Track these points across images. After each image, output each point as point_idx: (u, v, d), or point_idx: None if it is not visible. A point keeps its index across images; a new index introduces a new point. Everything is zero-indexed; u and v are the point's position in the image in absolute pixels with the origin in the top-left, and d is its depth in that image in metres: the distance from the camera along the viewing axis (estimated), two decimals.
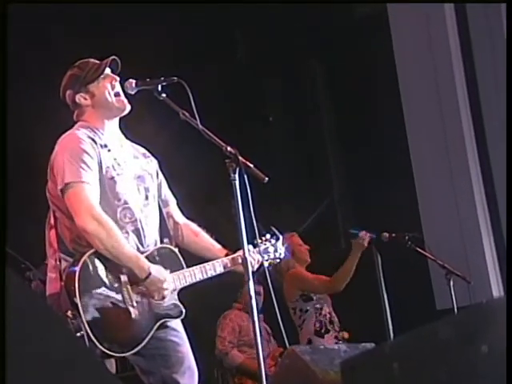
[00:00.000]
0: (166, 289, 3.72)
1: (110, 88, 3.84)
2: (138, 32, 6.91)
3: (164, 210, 4.04)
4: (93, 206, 3.62)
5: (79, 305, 3.49)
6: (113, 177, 3.75)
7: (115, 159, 3.81)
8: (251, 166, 3.66)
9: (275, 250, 4.23)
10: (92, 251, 3.62)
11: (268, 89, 8.32)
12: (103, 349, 3.50)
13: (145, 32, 6.95)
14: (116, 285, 3.65)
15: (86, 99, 3.86)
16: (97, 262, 3.62)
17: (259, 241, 4.05)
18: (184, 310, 3.87)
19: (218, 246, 4.14)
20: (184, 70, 3.90)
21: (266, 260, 4.14)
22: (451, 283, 5.50)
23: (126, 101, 3.86)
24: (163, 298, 3.72)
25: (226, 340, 7.27)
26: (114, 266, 3.66)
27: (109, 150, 3.80)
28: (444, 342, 2.15)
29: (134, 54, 6.75)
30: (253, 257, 3.94)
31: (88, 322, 3.49)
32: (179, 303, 3.87)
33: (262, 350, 7.23)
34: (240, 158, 3.64)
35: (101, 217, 3.62)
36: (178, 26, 7.29)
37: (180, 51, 7.30)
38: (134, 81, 3.81)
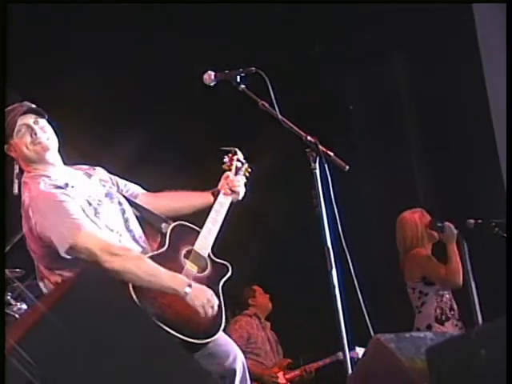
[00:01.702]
0: (211, 305, 3.60)
1: (29, 139, 3.72)
2: (213, 23, 6.97)
3: (136, 203, 3.97)
4: (107, 246, 3.52)
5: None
6: (94, 212, 3.67)
7: (83, 192, 3.73)
8: (331, 154, 3.66)
9: (242, 163, 4.27)
10: None
11: (347, 79, 8.25)
12: (184, 337, 3.47)
13: (222, 23, 7.00)
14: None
15: (11, 152, 3.79)
16: None
17: (227, 165, 4.20)
18: (229, 265, 3.88)
19: (200, 193, 4.15)
20: (261, 60, 3.88)
21: (242, 175, 4.23)
22: None
23: (45, 142, 3.73)
24: (207, 314, 3.59)
25: None
26: None
27: (72, 187, 3.70)
28: None
29: (211, 46, 6.86)
30: (238, 180, 4.13)
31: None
32: (220, 260, 3.88)
33: (270, 359, 7.29)
34: (320, 146, 3.64)
35: (120, 251, 3.55)
36: (255, 17, 7.29)
37: (257, 42, 7.31)
38: (212, 73, 3.83)
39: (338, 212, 3.63)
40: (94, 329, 2.63)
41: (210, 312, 3.57)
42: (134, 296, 3.42)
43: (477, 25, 6.93)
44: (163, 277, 3.53)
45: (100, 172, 3.98)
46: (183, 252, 3.77)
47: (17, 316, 5.10)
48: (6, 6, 4.00)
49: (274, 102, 3.69)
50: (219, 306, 3.65)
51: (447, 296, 5.71)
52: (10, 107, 3.80)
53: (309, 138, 3.66)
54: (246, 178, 4.27)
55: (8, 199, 3.71)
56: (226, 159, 4.25)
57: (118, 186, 3.99)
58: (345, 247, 3.70)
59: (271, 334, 7.57)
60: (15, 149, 3.74)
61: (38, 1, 6.26)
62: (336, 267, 3.60)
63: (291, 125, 3.71)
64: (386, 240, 6.22)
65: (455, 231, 5.61)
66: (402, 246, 5.87)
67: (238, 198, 4.13)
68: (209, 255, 3.84)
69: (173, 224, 3.84)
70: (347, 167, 3.64)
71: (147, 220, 3.91)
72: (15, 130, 3.70)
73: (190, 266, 3.73)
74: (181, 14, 7.01)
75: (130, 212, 3.86)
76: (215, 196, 4.07)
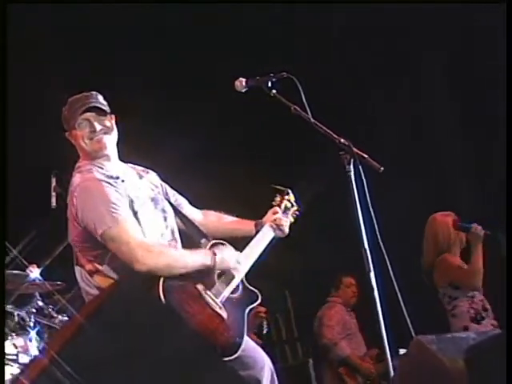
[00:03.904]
0: (237, 257, 3.76)
1: (87, 133, 3.78)
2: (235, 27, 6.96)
3: (183, 213, 4.03)
4: (141, 243, 3.54)
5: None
6: (137, 210, 3.70)
7: (132, 188, 3.78)
8: (366, 156, 3.64)
9: (292, 205, 4.31)
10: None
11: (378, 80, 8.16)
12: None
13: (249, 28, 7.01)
14: (198, 295, 3.61)
15: (72, 140, 3.86)
16: (171, 282, 3.53)
17: (277, 202, 4.25)
18: (259, 294, 3.90)
19: (244, 220, 4.20)
20: (291, 65, 3.87)
21: (292, 215, 4.28)
22: None
23: (104, 139, 3.79)
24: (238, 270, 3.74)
25: (334, 330, 7.31)
26: (187, 278, 3.61)
27: (123, 181, 3.75)
28: None
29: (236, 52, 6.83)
30: (285, 219, 4.17)
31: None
32: (251, 287, 3.90)
33: (361, 346, 7.27)
34: (354, 149, 3.62)
35: (152, 248, 3.56)
36: (283, 22, 7.31)
37: (286, 47, 7.31)
38: (243, 79, 3.83)
39: (374, 213, 3.60)
40: (130, 338, 2.64)
41: (243, 261, 3.77)
42: (163, 298, 3.42)
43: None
44: (193, 259, 3.62)
45: (152, 176, 4.04)
46: (217, 271, 3.76)
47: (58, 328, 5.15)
48: (6, 6, 4.00)
49: (306, 105, 3.68)
50: (242, 331, 3.67)
51: (478, 297, 5.66)
52: (76, 96, 3.87)
53: (342, 140, 3.64)
54: (294, 219, 4.30)
55: (49, 212, 3.73)
56: (278, 198, 4.30)
57: (166, 193, 4.03)
58: (382, 249, 3.66)
59: (356, 324, 7.67)
60: (74, 139, 3.82)
61: (38, 1, 6.32)
62: (374, 269, 3.58)
63: (324, 128, 3.69)
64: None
65: (482, 233, 5.56)
66: (430, 247, 5.82)
67: (281, 235, 4.17)
68: (242, 280, 3.87)
69: (213, 241, 3.86)
70: (382, 168, 3.62)
71: (188, 232, 3.95)
72: (76, 122, 3.78)
73: (221, 286, 3.73)
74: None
75: (172, 221, 3.89)
76: (257, 227, 4.11)
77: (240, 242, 3.99)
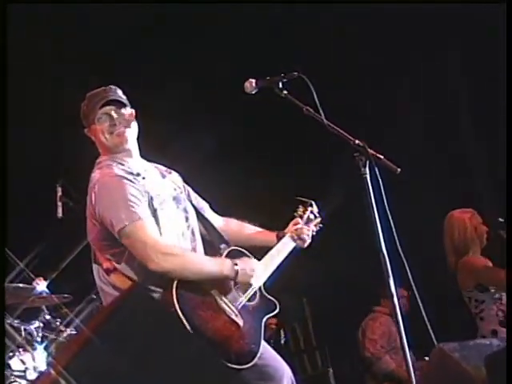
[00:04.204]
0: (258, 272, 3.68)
1: (107, 127, 3.72)
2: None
3: (205, 217, 3.97)
4: (158, 242, 3.47)
5: (189, 329, 3.32)
6: (157, 207, 3.63)
7: (152, 185, 3.70)
8: (381, 157, 3.51)
9: (315, 216, 4.26)
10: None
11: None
12: (227, 364, 3.38)
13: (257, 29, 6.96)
14: (213, 301, 3.55)
15: (91, 135, 3.81)
16: (187, 285, 3.46)
17: (301, 212, 4.19)
18: (277, 304, 3.84)
19: (266, 230, 4.15)
20: (301, 65, 3.75)
21: (314, 227, 4.22)
22: None
23: (125, 133, 3.73)
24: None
25: (377, 343, 7.13)
26: (202, 284, 3.55)
27: (143, 178, 3.68)
28: None
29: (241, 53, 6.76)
30: (307, 229, 4.11)
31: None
32: (269, 296, 3.84)
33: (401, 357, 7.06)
34: (369, 150, 3.49)
35: (169, 249, 3.50)
36: (295, 20, 7.24)
37: (296, 47, 7.24)
38: (253, 80, 3.71)
39: (391, 217, 3.46)
40: (139, 351, 2.55)
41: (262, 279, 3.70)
42: (177, 306, 3.34)
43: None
44: (211, 266, 3.55)
45: (175, 176, 3.98)
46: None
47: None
48: (6, 6, 3.98)
49: (319, 106, 3.55)
50: (258, 338, 3.61)
51: (505, 298, 5.47)
52: (95, 91, 3.81)
53: (357, 141, 3.51)
54: (316, 232, 4.24)
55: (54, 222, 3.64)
56: (301, 209, 4.24)
57: (188, 195, 3.97)
58: (401, 254, 3.55)
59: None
60: (94, 135, 3.76)
61: (38, 1, 6.29)
62: (393, 275, 3.44)
63: (338, 129, 3.57)
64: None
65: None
66: (450, 247, 5.62)
67: (303, 246, 4.11)
68: (259, 288, 3.80)
69: (232, 247, 3.82)
70: (399, 170, 3.48)
71: (208, 237, 3.91)
72: (96, 117, 3.72)
73: (238, 293, 3.67)
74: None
75: (193, 222, 3.83)
76: (278, 238, 4.06)
77: (258, 251, 3.92)
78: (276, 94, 3.64)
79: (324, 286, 8.14)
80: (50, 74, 6.76)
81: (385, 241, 3.47)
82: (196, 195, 4.05)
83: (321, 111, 3.55)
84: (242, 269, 3.59)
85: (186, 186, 4.01)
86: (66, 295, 5.25)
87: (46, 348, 5.03)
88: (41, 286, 5.10)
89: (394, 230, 3.49)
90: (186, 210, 3.81)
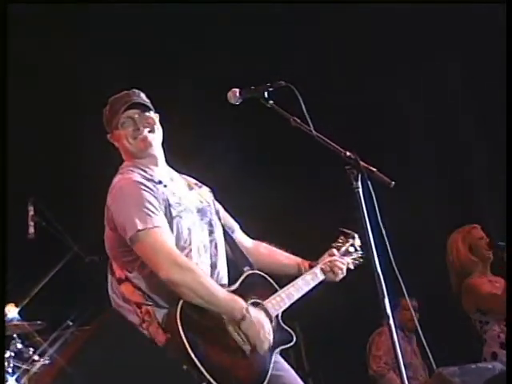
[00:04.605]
0: (267, 337, 3.43)
1: (131, 132, 3.63)
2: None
3: (232, 238, 3.85)
4: (172, 252, 3.35)
5: (194, 358, 3.18)
6: (175, 216, 3.50)
7: (174, 194, 3.58)
8: (374, 170, 3.31)
9: (355, 250, 4.08)
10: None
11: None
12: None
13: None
14: (220, 325, 3.38)
15: (114, 141, 3.73)
16: (193, 306, 3.32)
17: (339, 244, 4.03)
18: (294, 335, 3.65)
19: (297, 258, 3.99)
20: (288, 74, 3.58)
21: (352, 262, 4.04)
22: None
23: (149, 137, 3.63)
24: (262, 347, 3.42)
25: (381, 360, 6.98)
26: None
27: (165, 186, 3.57)
28: None
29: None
30: (342, 262, 3.91)
31: (210, 374, 3.19)
32: (286, 327, 3.65)
33: (420, 374, 6.80)
34: (361, 162, 3.29)
35: (183, 261, 3.36)
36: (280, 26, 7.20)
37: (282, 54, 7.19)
38: (237, 90, 3.54)
39: (386, 233, 3.26)
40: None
41: (266, 345, 3.40)
42: (180, 324, 3.21)
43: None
44: (221, 298, 3.36)
45: (204, 191, 3.85)
46: (250, 300, 3.52)
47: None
48: (6, 6, 4.02)
49: (307, 116, 3.36)
50: (265, 370, 3.43)
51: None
52: (118, 95, 3.73)
53: (348, 153, 3.32)
54: (355, 266, 4.06)
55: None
56: (341, 239, 4.09)
57: (217, 213, 3.82)
58: (397, 274, 3.38)
59: (417, 349, 7.23)
60: (117, 140, 3.68)
61: (38, 1, 6.29)
62: (388, 295, 3.22)
63: (327, 141, 3.38)
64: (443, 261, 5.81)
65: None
66: (450, 269, 5.55)
67: (334, 279, 3.92)
68: (276, 316, 3.61)
69: (253, 271, 3.69)
70: (393, 183, 3.29)
71: (233, 257, 3.78)
72: (119, 122, 3.64)
73: None
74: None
75: (219, 237, 3.69)
76: (310, 268, 3.90)
77: (285, 278, 3.79)
78: (261, 105, 3.45)
79: (318, 310, 7.92)
80: (49, 74, 6.71)
81: (379, 258, 3.26)
82: (226, 215, 3.94)
83: (309, 122, 3.37)
84: (252, 318, 3.39)
85: (216, 203, 3.88)
86: (39, 322, 5.06)
87: (17, 380, 4.84)
88: (12, 312, 4.91)
89: (388, 247, 3.28)
90: (211, 224, 3.68)
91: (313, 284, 3.80)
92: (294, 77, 3.48)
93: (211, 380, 3.18)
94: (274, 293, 3.65)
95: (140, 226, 3.34)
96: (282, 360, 3.63)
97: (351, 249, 4.06)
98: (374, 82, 7.62)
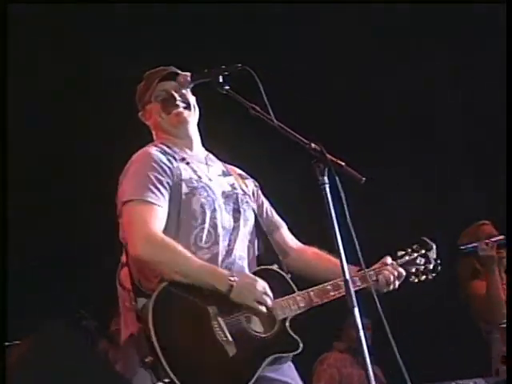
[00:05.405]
0: (264, 292, 3.10)
1: (165, 106, 3.38)
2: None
3: (272, 235, 3.52)
4: (146, 227, 3.06)
5: (157, 349, 2.88)
6: (187, 192, 3.21)
7: (195, 171, 3.30)
8: (343, 164, 2.98)
9: (427, 262, 3.57)
10: (164, 284, 3.03)
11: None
12: None
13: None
14: (203, 319, 3.04)
15: (146, 119, 3.49)
16: (174, 295, 3.02)
17: (403, 252, 3.55)
18: (301, 343, 3.18)
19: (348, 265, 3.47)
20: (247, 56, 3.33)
21: (414, 274, 3.55)
22: None
23: (184, 113, 3.38)
24: (266, 307, 3.10)
25: None
26: (196, 295, 3.05)
27: (187, 163, 3.30)
28: None
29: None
30: (392, 271, 3.42)
31: (173, 368, 2.88)
32: (293, 333, 3.19)
33: None
34: (328, 155, 2.96)
35: (158, 239, 3.06)
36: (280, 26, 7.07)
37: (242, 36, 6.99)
38: (188, 74, 3.27)
39: (355, 234, 2.89)
40: None
41: (268, 302, 3.10)
42: (151, 313, 2.94)
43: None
44: (201, 271, 3.08)
45: (247, 182, 3.57)
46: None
47: None
48: (6, 6, 4.00)
49: (268, 104, 3.04)
50: (249, 376, 3.03)
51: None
52: (152, 70, 3.50)
53: (313, 145, 3.00)
54: (420, 280, 3.59)
55: None
56: (414, 247, 3.59)
57: (257, 206, 3.54)
58: (369, 280, 3.19)
59: (377, 371, 6.16)
60: (149, 116, 3.46)
61: (38, 1, 6.24)
62: (358, 304, 2.89)
63: (290, 131, 3.06)
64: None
65: (494, 253, 4.85)
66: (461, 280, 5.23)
67: (380, 290, 3.42)
68: (284, 320, 3.20)
69: (267, 267, 3.33)
70: (363, 179, 2.98)
71: (264, 253, 3.47)
72: (153, 94, 3.41)
73: (245, 317, 3.15)
74: None
75: (246, 227, 3.37)
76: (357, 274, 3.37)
77: None
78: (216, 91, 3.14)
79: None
80: (49, 75, 6.64)
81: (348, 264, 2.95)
82: (273, 212, 3.63)
83: (270, 110, 3.05)
84: (239, 284, 3.07)
85: (261, 197, 3.61)
86: None
87: None
88: None
89: (359, 251, 2.92)
90: (238, 211, 3.36)
91: (342, 292, 3.22)
92: (294, 76, 3.21)
93: (174, 379, 2.87)
94: (287, 293, 3.27)
95: (127, 196, 3.13)
96: (286, 367, 3.24)
97: (420, 260, 3.57)
98: (374, 82, 7.43)
